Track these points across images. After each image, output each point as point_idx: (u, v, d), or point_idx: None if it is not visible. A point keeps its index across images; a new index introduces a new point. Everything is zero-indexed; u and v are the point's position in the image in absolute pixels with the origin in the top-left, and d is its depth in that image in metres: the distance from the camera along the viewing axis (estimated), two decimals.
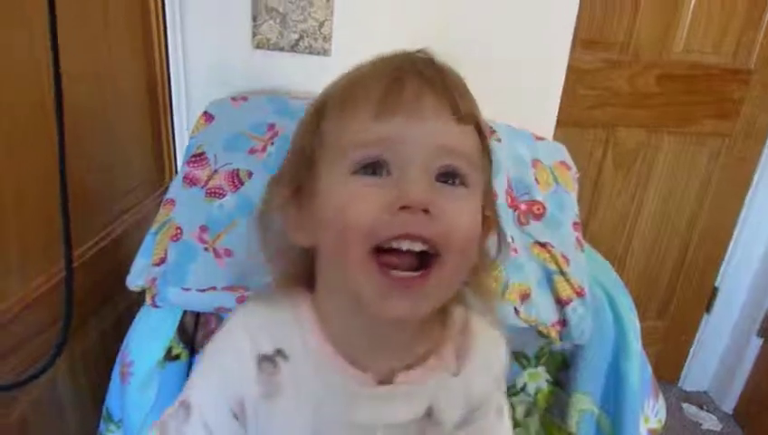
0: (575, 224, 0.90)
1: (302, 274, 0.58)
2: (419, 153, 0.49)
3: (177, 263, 0.79)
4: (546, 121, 1.12)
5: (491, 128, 0.90)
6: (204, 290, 0.77)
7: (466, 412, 0.61)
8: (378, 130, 0.49)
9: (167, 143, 1.10)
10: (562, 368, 0.86)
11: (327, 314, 0.57)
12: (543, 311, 0.81)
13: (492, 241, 0.60)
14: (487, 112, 0.95)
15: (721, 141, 1.65)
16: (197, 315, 0.85)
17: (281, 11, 0.95)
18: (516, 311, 0.80)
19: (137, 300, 0.92)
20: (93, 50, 0.85)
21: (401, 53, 0.54)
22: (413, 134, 0.49)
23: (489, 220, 0.58)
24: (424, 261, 0.49)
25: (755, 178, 1.71)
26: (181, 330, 0.84)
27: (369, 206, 0.48)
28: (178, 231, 0.81)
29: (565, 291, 0.82)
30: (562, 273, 0.83)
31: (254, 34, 1.00)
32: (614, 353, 0.86)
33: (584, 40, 1.39)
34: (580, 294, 0.82)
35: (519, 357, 0.85)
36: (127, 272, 0.89)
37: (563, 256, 0.84)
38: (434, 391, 0.57)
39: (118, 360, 0.83)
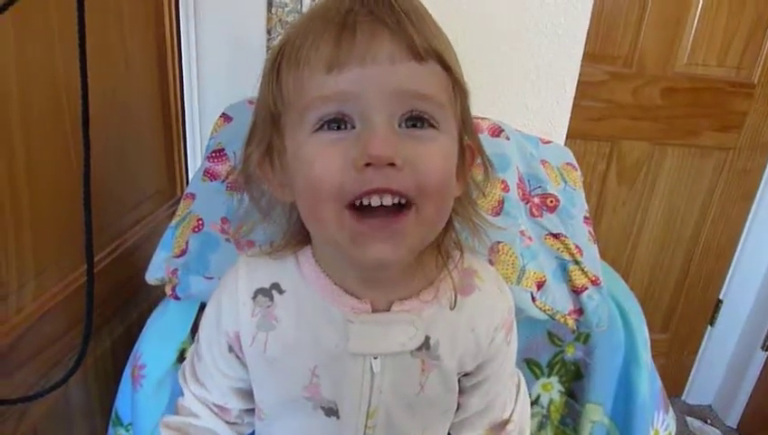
0: (586, 219, 0.90)
1: (299, 228, 0.58)
2: (379, 102, 0.46)
3: (198, 253, 0.80)
4: (556, 137, 1.12)
5: (499, 127, 0.90)
6: None
7: (473, 361, 0.62)
8: (332, 84, 0.46)
9: (178, 155, 1.11)
10: (575, 378, 0.86)
11: (322, 256, 0.58)
12: (559, 300, 0.81)
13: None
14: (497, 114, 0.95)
15: (725, 154, 1.66)
16: None
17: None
18: (533, 298, 0.80)
19: (148, 309, 0.92)
20: (109, 62, 0.86)
21: None
22: (369, 83, 0.46)
23: (471, 148, 0.57)
24: (397, 210, 0.48)
25: (759, 190, 1.72)
26: (195, 332, 0.84)
27: (334, 164, 0.47)
28: (200, 223, 0.81)
29: (580, 279, 0.81)
30: (577, 262, 0.83)
31: (269, 48, 1.01)
32: (624, 364, 0.86)
33: (589, 53, 1.39)
34: (595, 282, 0.82)
35: (532, 366, 0.85)
36: (139, 282, 0.89)
37: (577, 247, 0.84)
38: (430, 323, 0.57)
39: (128, 363, 0.83)
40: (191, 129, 1.11)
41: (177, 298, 0.80)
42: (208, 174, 0.86)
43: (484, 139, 0.88)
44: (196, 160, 1.13)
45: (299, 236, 0.59)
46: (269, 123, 0.54)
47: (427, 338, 0.57)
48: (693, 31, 1.51)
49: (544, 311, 0.81)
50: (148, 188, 1.03)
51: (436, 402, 0.61)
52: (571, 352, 0.85)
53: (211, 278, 0.79)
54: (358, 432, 0.59)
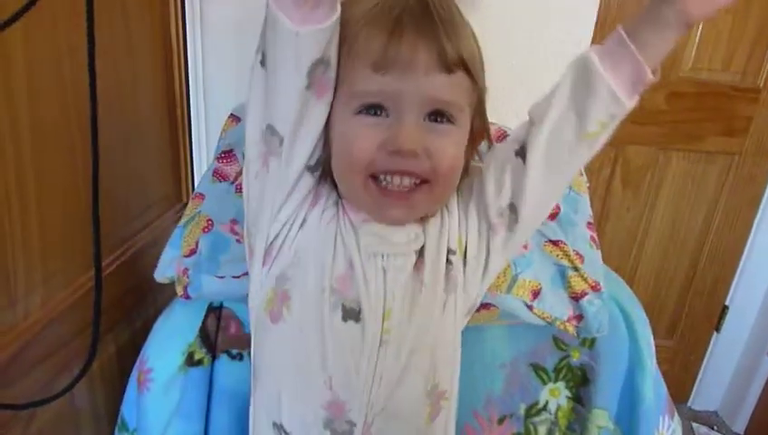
0: (589, 224, 0.90)
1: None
2: (411, 104, 0.58)
3: (209, 253, 0.80)
4: None
5: (504, 132, 0.91)
6: (238, 277, 0.77)
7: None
8: (377, 81, 0.57)
9: (185, 160, 1.11)
10: (582, 383, 0.86)
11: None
12: (557, 307, 0.81)
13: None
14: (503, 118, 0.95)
15: (730, 159, 1.66)
16: (219, 319, 0.85)
17: None
18: (529, 307, 0.80)
19: (154, 314, 0.93)
20: (116, 68, 0.86)
21: (401, 11, 0.58)
22: (406, 88, 0.57)
23: (480, 132, 0.67)
24: (413, 187, 0.60)
25: (765, 195, 1.71)
26: (204, 335, 0.84)
27: (369, 144, 0.58)
28: (209, 223, 0.82)
29: (579, 285, 0.81)
30: (576, 269, 0.83)
31: None
32: (629, 369, 0.86)
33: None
34: (595, 288, 0.82)
35: (538, 371, 0.85)
36: (145, 287, 0.90)
37: (577, 253, 0.84)
38: (425, 229, 0.65)
39: (135, 367, 0.84)
40: (197, 134, 1.11)
41: (188, 297, 0.81)
42: (218, 174, 0.86)
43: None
44: (201, 165, 1.13)
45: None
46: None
47: (424, 243, 0.65)
48: (698, 35, 1.51)
49: (543, 318, 0.81)
50: (154, 194, 1.04)
51: (436, 297, 0.66)
52: (577, 357, 0.85)
53: (223, 277, 0.79)
54: (375, 341, 0.62)
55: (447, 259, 0.66)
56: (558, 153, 0.60)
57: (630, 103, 0.57)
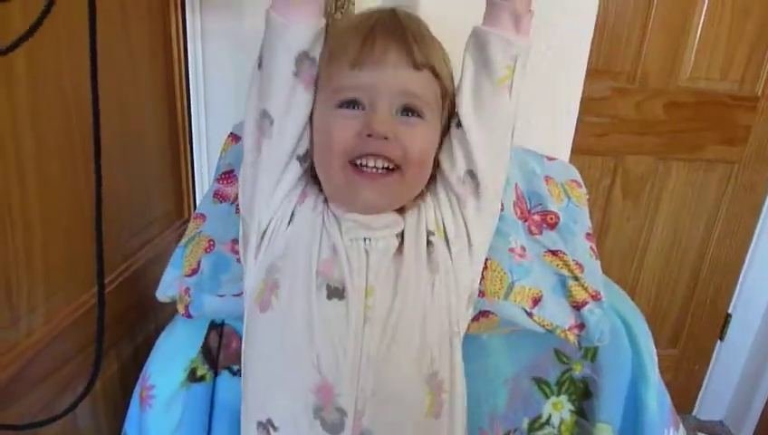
0: (588, 235, 0.90)
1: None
2: (384, 95, 0.66)
3: (210, 273, 0.81)
4: (561, 153, 1.13)
5: None
6: (238, 295, 0.78)
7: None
8: (353, 77, 0.66)
9: (186, 177, 1.12)
10: (585, 397, 0.85)
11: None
12: (558, 315, 0.82)
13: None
14: None
15: (730, 168, 1.66)
16: (221, 336, 0.86)
17: None
18: (530, 314, 0.80)
19: (155, 330, 0.93)
20: (118, 86, 0.87)
21: (377, 11, 0.72)
22: (379, 81, 0.65)
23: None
24: (386, 172, 0.66)
25: (766, 203, 1.72)
26: (206, 351, 0.84)
27: (347, 132, 0.65)
28: (211, 243, 0.83)
29: (580, 295, 0.82)
30: (576, 278, 0.83)
31: None
32: (632, 381, 0.85)
33: (591, 69, 1.40)
34: (595, 297, 0.82)
35: (541, 385, 0.85)
36: (147, 304, 0.90)
37: (576, 263, 0.84)
38: (404, 216, 0.71)
39: (137, 384, 0.84)
40: (198, 150, 1.12)
41: (189, 316, 0.81)
42: (218, 195, 0.87)
43: None
44: (203, 181, 1.14)
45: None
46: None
47: (401, 233, 0.70)
48: (695, 45, 1.52)
49: (543, 326, 0.81)
50: (155, 211, 1.04)
51: (419, 275, 0.69)
52: (579, 370, 0.85)
53: (223, 296, 0.80)
54: (358, 317, 0.66)
55: (429, 241, 0.70)
56: (484, 107, 0.69)
57: (521, 40, 0.67)
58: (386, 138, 0.65)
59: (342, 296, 0.66)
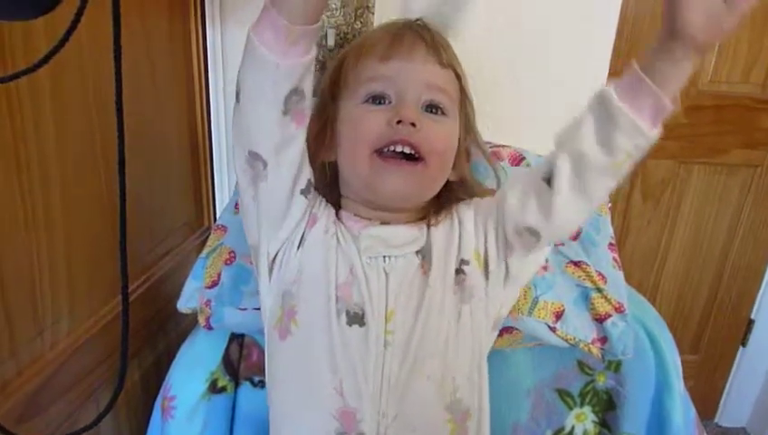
0: (611, 245, 0.89)
1: (328, 184, 0.76)
2: (411, 87, 0.68)
3: (231, 285, 0.81)
4: None
5: (520, 154, 0.91)
6: (259, 309, 0.78)
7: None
8: (381, 70, 0.68)
9: (206, 185, 1.12)
10: (608, 408, 0.84)
11: (347, 207, 0.73)
12: (581, 329, 0.81)
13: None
14: (523, 142, 0.96)
15: (752, 172, 1.64)
16: (241, 347, 0.86)
17: (320, 58, 0.97)
18: (552, 329, 0.80)
19: (176, 339, 0.93)
20: (140, 100, 0.88)
21: (404, 19, 0.76)
22: (407, 73, 0.68)
23: (467, 150, 0.77)
24: (411, 161, 0.67)
25: None
26: (227, 362, 0.85)
27: (374, 122, 0.67)
28: (232, 255, 0.83)
29: (603, 307, 0.81)
30: (599, 290, 0.82)
31: None
32: (657, 392, 0.84)
33: (611, 72, 1.39)
34: (619, 309, 0.81)
35: (564, 396, 0.84)
36: (168, 313, 0.90)
37: (599, 274, 0.83)
38: (423, 231, 0.70)
39: (159, 395, 0.84)
40: (218, 159, 1.12)
41: (210, 328, 0.81)
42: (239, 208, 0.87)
43: (505, 168, 0.88)
44: (223, 191, 1.14)
45: (332, 195, 0.75)
46: (329, 103, 0.74)
47: (423, 249, 0.69)
48: (716, 48, 1.50)
49: (566, 340, 0.80)
50: (176, 220, 1.05)
51: (448, 301, 0.67)
52: (603, 381, 0.84)
53: (245, 310, 0.80)
54: (378, 343, 0.64)
55: (460, 269, 0.68)
56: (584, 181, 0.61)
57: (653, 133, 0.58)
58: (414, 124, 0.65)
59: (363, 323, 0.65)
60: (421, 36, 0.71)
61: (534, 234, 0.65)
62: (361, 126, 0.67)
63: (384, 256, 0.67)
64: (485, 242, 0.69)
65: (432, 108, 0.69)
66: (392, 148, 0.66)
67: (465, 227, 0.70)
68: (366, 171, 0.67)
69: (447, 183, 0.74)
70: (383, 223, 0.70)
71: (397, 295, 0.66)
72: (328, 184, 0.76)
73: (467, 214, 0.71)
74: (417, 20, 0.76)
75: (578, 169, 0.60)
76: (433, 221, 0.71)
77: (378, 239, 0.68)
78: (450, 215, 0.72)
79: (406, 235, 0.69)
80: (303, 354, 0.67)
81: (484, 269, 0.69)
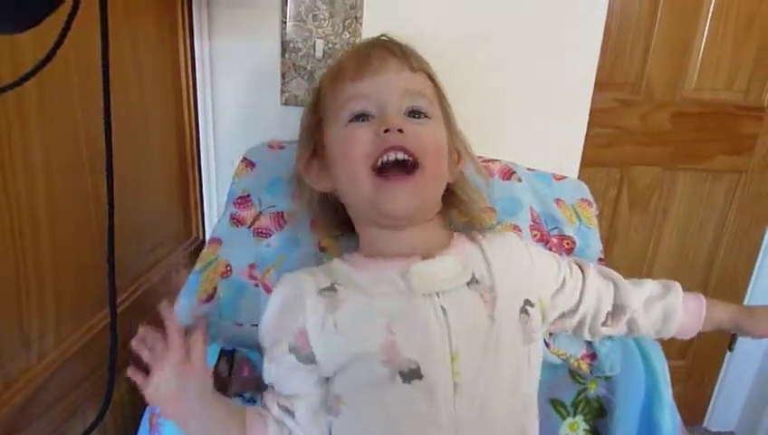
0: (600, 260, 0.90)
1: (333, 219, 0.80)
2: (390, 98, 0.69)
3: (228, 299, 0.81)
4: (570, 164, 1.13)
5: (510, 169, 0.92)
6: (256, 325, 0.78)
7: (528, 281, 0.72)
8: (359, 88, 0.70)
9: (194, 197, 1.12)
10: (599, 415, 0.85)
11: (365, 245, 0.74)
12: (571, 345, 0.83)
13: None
14: (511, 155, 0.97)
15: (737, 177, 1.66)
16: (231, 363, 0.85)
17: (308, 68, 0.98)
18: (546, 344, 0.81)
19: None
20: (127, 109, 0.87)
21: (371, 39, 0.78)
22: (382, 86, 0.70)
23: (460, 152, 0.79)
24: (409, 171, 0.67)
25: None
26: (216, 378, 0.83)
27: (363, 138, 0.67)
28: (228, 268, 0.83)
29: None
30: None
31: (283, 92, 1.02)
32: (646, 400, 0.84)
33: (597, 81, 1.40)
34: None
35: (557, 405, 0.84)
36: (157, 324, 0.89)
37: None
38: (467, 260, 0.69)
39: (147, 409, 0.83)
40: (206, 169, 1.12)
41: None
42: (235, 219, 0.87)
43: (496, 182, 0.89)
44: (211, 200, 1.14)
45: (337, 226, 0.79)
46: (314, 132, 0.76)
47: (473, 274, 0.67)
48: (700, 56, 1.52)
49: (558, 356, 0.82)
50: (164, 231, 1.04)
51: (512, 338, 0.66)
52: (594, 389, 0.84)
53: (241, 325, 0.79)
54: (447, 388, 0.61)
55: (525, 310, 0.68)
56: (616, 331, 0.79)
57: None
58: (401, 130, 0.66)
59: (420, 376, 0.61)
60: (388, 49, 0.73)
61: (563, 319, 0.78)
62: (351, 144, 0.68)
63: (437, 293, 0.65)
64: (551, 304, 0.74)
65: (414, 113, 0.70)
66: (387, 157, 0.66)
67: (537, 267, 0.74)
68: (368, 193, 0.67)
69: (447, 186, 0.76)
70: (424, 258, 0.68)
71: (461, 334, 0.63)
72: (337, 221, 0.79)
73: (546, 260, 0.77)
74: (382, 35, 0.78)
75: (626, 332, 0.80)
76: (454, 249, 0.71)
77: (424, 278, 0.66)
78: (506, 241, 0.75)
79: (454, 267, 0.68)
80: (362, 428, 0.65)
81: (542, 315, 0.72)
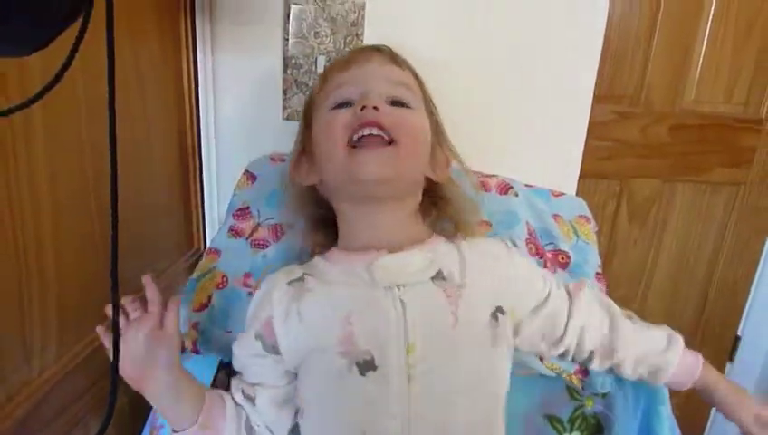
0: (598, 275, 0.91)
1: (318, 221, 0.80)
2: (373, 85, 0.71)
3: (221, 308, 0.82)
4: (569, 177, 1.13)
5: (507, 184, 0.93)
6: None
7: (504, 287, 0.71)
8: (345, 77, 0.74)
9: (195, 208, 1.12)
10: (596, 432, 0.85)
11: (339, 235, 0.75)
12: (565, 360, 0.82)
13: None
14: (509, 168, 0.98)
15: (736, 190, 1.66)
16: (230, 375, 0.85)
17: (310, 84, 0.99)
18: (541, 359, 0.82)
19: None
20: (131, 123, 0.88)
21: (363, 45, 0.86)
22: (367, 74, 0.73)
23: (445, 155, 0.80)
24: (384, 144, 0.68)
25: None
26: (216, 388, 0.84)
27: (344, 119, 0.69)
28: (224, 280, 0.84)
29: None
30: None
31: (285, 107, 1.03)
32: (645, 417, 0.85)
33: (595, 94, 1.41)
34: None
35: (553, 421, 0.84)
36: None
37: None
38: (436, 256, 0.69)
39: (147, 423, 0.84)
40: (208, 179, 1.13)
41: (197, 352, 0.81)
42: (233, 231, 0.88)
43: (493, 197, 0.90)
44: (212, 211, 1.15)
45: (323, 232, 0.79)
46: (304, 129, 0.80)
47: (440, 270, 0.67)
48: (698, 68, 1.53)
49: (552, 370, 0.82)
50: (166, 242, 1.05)
51: (478, 339, 0.66)
52: (591, 406, 0.85)
53: (230, 332, 0.80)
54: (401, 377, 0.61)
55: (496, 315, 0.67)
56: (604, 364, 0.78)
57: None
58: (376, 108, 0.68)
59: (375, 367, 0.62)
60: (376, 48, 0.78)
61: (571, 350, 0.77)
62: (331, 127, 0.70)
63: (398, 286, 0.66)
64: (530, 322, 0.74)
65: (396, 103, 0.72)
66: (362, 132, 0.67)
67: (516, 280, 0.72)
68: (341, 161, 0.68)
69: (432, 185, 0.77)
70: (390, 251, 0.69)
71: (419, 327, 0.64)
72: (324, 224, 0.79)
73: (526, 269, 0.76)
74: (375, 45, 0.82)
75: (621, 371, 0.80)
76: (427, 244, 0.72)
77: (389, 271, 0.67)
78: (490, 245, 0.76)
79: (420, 261, 0.68)
80: (321, 424, 0.67)
81: (515, 328, 0.72)
